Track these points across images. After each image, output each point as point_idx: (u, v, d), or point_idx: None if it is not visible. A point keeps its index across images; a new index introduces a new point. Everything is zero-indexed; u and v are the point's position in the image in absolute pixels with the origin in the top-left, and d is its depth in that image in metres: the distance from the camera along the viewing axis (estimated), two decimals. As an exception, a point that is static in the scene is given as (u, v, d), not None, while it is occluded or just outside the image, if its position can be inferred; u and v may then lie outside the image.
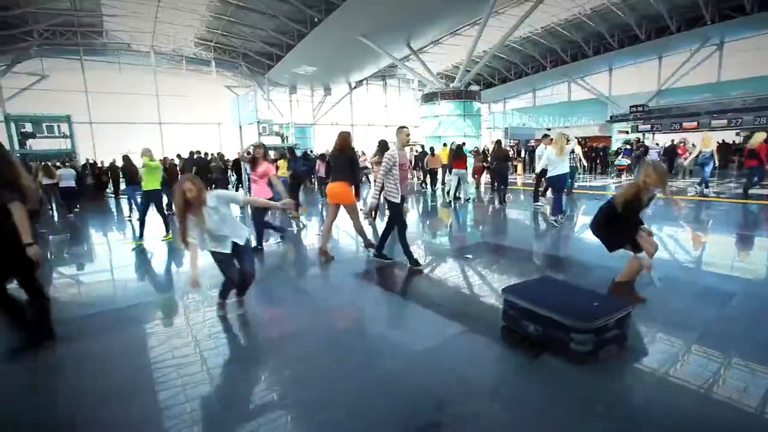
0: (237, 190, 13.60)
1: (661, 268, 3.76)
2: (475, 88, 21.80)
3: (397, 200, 4.29)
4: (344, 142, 4.98)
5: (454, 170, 9.97)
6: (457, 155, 9.99)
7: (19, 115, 15.53)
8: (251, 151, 5.63)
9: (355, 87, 28.97)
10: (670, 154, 15.31)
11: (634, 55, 22.95)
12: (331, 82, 27.46)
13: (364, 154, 15.35)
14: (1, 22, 16.13)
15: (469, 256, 5.18)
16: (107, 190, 14.14)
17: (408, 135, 4.44)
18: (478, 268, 4.74)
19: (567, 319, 2.55)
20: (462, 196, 10.09)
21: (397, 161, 4.26)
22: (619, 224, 3.28)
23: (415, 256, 4.54)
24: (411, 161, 15.02)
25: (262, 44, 21.34)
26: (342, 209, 5.00)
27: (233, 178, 14.90)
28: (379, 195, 4.42)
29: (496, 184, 10.17)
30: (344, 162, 4.89)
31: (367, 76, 27.78)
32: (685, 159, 14.19)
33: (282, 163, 10.84)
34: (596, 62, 24.10)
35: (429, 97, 19.91)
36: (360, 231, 5.15)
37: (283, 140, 21.34)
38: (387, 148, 5.22)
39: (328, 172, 9.90)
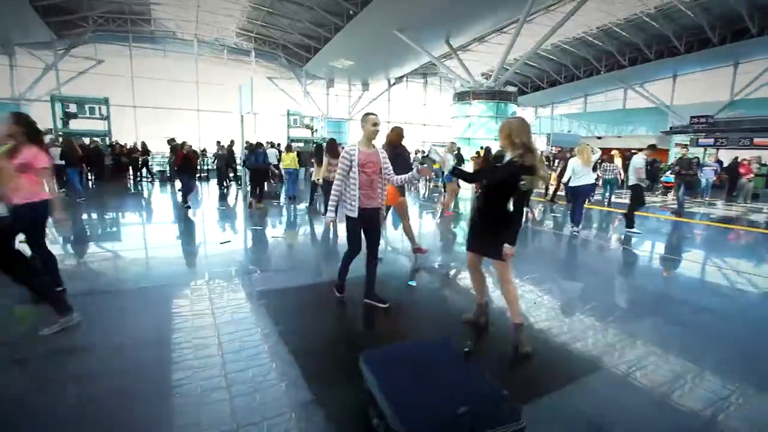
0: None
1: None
2: (512, 89, 20.47)
3: (354, 214, 3.26)
4: (396, 138, 4.55)
5: None
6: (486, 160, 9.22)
7: (64, 96, 16.39)
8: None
9: (394, 83, 28.37)
10: (732, 172, 13.38)
11: (704, 61, 20.55)
12: (370, 78, 27.04)
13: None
14: (59, 8, 17.10)
15: (413, 283, 4.20)
16: (128, 172, 14.54)
17: (376, 125, 3.25)
18: (421, 296, 3.98)
19: (398, 422, 1.63)
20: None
21: (355, 161, 3.20)
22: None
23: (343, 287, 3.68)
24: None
25: (300, 36, 21.27)
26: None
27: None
28: (336, 207, 3.40)
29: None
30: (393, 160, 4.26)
31: (407, 73, 27.09)
32: (749, 179, 12.33)
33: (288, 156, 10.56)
34: (658, 67, 21.86)
35: (461, 96, 18.92)
36: (408, 233, 5.02)
37: (312, 133, 21.22)
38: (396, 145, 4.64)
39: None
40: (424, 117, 29.65)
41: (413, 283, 4.21)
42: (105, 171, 13.66)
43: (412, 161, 5.74)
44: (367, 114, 3.29)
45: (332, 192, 3.33)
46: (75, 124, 16.00)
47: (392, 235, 6.48)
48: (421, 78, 29.13)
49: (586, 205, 7.08)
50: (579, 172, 6.60)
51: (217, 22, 20.72)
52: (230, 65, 23.66)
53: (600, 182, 10.38)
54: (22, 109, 17.83)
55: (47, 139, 11.62)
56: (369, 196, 3.29)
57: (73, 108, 16.04)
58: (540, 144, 18.56)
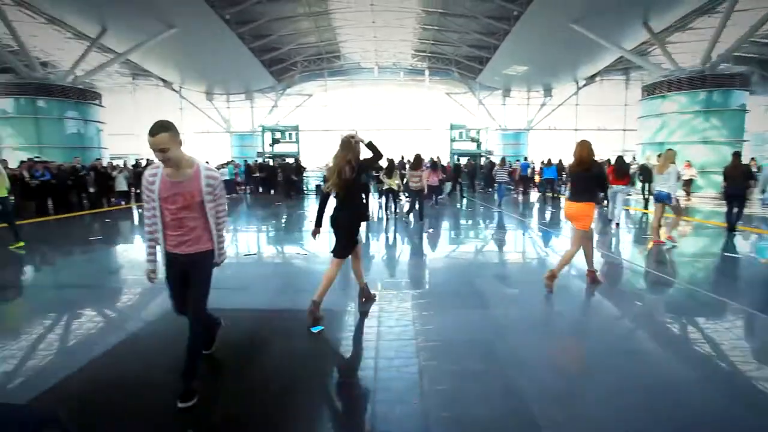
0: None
1: None
2: (738, 68, 14.24)
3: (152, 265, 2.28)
4: (587, 155, 4.13)
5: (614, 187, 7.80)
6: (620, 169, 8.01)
7: (271, 127, 20.65)
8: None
9: (583, 85, 24.24)
10: None
11: None
12: (553, 81, 23.91)
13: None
14: (277, 59, 21.77)
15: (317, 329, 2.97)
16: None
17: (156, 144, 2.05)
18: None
19: None
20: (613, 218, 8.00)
21: (155, 190, 2.13)
22: None
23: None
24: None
25: (469, 48, 20.63)
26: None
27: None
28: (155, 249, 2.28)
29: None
30: (584, 177, 4.13)
31: (601, 70, 22.70)
32: None
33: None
34: None
35: (651, 89, 14.35)
36: (588, 258, 4.34)
37: (478, 145, 20.20)
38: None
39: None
40: (625, 120, 24.23)
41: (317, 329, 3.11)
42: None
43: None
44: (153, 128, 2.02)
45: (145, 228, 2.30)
46: (278, 148, 20.02)
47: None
48: (621, 74, 23.94)
49: None
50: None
51: (394, 47, 22.27)
52: (407, 85, 25.11)
53: None
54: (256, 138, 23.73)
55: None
56: (179, 239, 2.21)
57: (277, 135, 20.10)
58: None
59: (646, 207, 10.68)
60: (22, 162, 10.07)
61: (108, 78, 24.19)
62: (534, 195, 16.28)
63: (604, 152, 18.05)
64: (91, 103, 14.10)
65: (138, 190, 12.37)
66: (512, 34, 16.40)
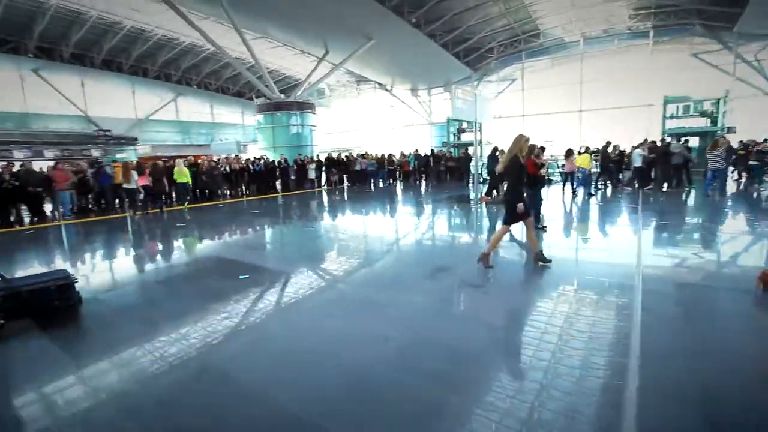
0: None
1: None
2: None
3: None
4: None
5: None
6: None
7: (455, 119, 21.34)
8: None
9: None
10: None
11: None
12: None
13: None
14: (470, 49, 22.25)
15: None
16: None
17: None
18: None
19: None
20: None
21: None
22: None
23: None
24: None
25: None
26: None
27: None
28: None
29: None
30: None
31: None
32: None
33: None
34: None
35: None
36: None
37: (711, 121, 15.33)
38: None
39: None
40: None
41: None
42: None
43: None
44: None
45: None
46: (465, 137, 20.73)
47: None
48: None
49: None
50: None
51: (606, 10, 18.99)
52: (619, 55, 20.95)
53: None
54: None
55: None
56: None
57: (464, 124, 20.82)
58: None
59: None
60: (248, 159, 14.99)
61: (341, 87, 30.55)
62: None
63: None
64: (307, 112, 18.83)
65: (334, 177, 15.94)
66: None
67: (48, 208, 10.24)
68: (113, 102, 23.66)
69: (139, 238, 7.36)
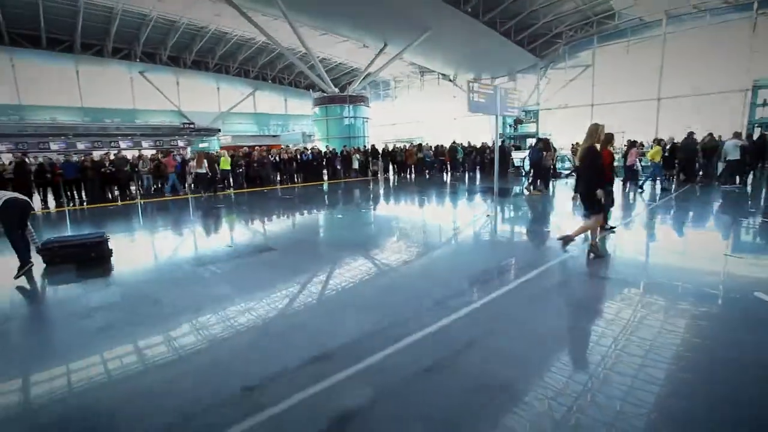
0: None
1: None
2: None
3: None
4: None
5: None
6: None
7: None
8: None
9: None
10: None
11: None
12: None
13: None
14: (536, 35, 21.10)
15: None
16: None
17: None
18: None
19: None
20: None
21: None
22: None
23: None
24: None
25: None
26: None
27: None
28: None
29: None
30: None
31: None
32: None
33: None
34: None
35: None
36: None
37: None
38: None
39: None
40: None
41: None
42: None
43: None
44: None
45: None
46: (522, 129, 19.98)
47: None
48: None
49: None
50: None
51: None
52: (709, 32, 18.22)
53: None
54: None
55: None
56: None
57: (522, 115, 20.04)
58: None
59: None
60: (297, 149, 16.25)
61: (405, 78, 30.89)
62: None
63: None
64: (360, 104, 19.60)
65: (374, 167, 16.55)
66: None
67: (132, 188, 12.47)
68: (201, 97, 26.95)
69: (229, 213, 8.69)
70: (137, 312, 3.49)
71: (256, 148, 15.39)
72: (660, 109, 19.90)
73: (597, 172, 4.52)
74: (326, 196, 11.83)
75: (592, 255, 4.61)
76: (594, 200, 4.45)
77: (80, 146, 19.24)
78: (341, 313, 3.41)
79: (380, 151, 17.33)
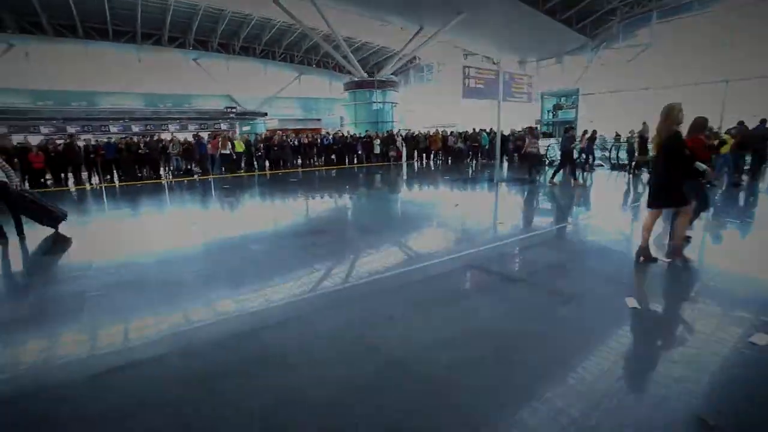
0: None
1: None
2: None
3: None
4: None
5: None
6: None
7: (550, 92, 19.06)
8: None
9: None
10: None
11: None
12: None
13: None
14: (584, 13, 19.42)
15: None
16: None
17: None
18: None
19: None
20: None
21: None
22: None
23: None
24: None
25: None
26: None
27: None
28: None
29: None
30: None
31: None
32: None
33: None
34: None
35: None
36: None
37: None
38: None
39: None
40: None
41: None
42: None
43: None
44: None
45: None
46: (561, 115, 18.63)
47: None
48: None
49: None
50: None
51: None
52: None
53: None
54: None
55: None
56: None
57: (562, 100, 18.75)
58: None
59: None
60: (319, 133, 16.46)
61: (448, 58, 29.99)
62: None
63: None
64: (389, 89, 19.44)
65: (392, 153, 16.42)
66: None
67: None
68: (249, 82, 28.35)
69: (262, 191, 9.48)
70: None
71: (278, 132, 16.08)
72: (728, 93, 17.53)
73: (684, 162, 3.77)
74: (329, 181, 12.05)
75: (642, 258, 3.92)
76: (676, 193, 3.73)
77: (135, 129, 21.39)
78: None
79: (403, 136, 17.21)
